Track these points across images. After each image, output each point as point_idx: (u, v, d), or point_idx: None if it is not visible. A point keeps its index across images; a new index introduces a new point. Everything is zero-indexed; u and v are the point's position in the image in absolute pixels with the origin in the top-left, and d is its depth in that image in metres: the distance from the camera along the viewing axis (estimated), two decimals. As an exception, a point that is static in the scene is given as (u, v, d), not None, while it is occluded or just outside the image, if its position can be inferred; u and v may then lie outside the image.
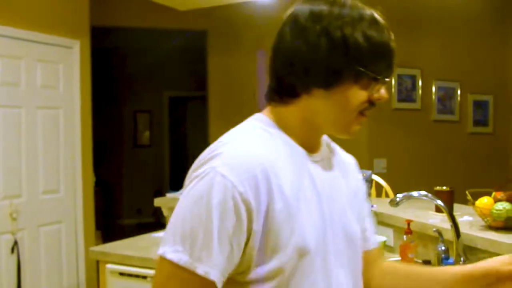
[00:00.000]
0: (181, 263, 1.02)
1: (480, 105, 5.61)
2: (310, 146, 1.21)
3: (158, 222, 7.00)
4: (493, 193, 2.28)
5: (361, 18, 1.12)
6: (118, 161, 8.95)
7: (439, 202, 2.21)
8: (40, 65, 4.24)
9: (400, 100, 5.16)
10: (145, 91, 8.92)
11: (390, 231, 2.73)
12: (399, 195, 2.19)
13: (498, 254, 1.93)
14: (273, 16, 5.95)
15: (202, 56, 6.07)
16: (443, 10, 5.29)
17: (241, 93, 5.67)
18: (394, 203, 2.20)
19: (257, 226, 1.05)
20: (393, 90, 5.10)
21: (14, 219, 3.92)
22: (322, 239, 1.15)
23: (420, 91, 5.28)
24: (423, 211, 2.69)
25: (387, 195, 3.59)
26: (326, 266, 1.15)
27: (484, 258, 2.04)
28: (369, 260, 1.35)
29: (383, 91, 1.16)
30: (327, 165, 1.26)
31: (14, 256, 3.91)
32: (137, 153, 9.17)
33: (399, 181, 3.84)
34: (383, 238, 2.61)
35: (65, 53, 4.46)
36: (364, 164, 4.60)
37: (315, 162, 1.21)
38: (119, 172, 8.93)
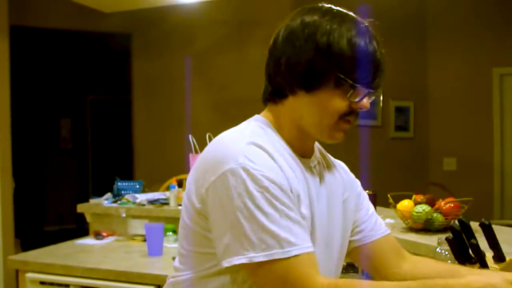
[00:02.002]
0: (276, 257, 1.05)
1: (401, 111, 5.79)
2: (303, 150, 1.26)
3: (81, 228, 6.81)
4: (413, 196, 2.35)
5: (350, 27, 1.17)
6: (40, 166, 8.64)
7: (362, 205, 2.26)
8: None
9: (325, 105, 5.25)
10: (68, 94, 8.67)
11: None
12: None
13: (417, 255, 1.98)
14: (199, 20, 5.96)
15: (126, 59, 5.96)
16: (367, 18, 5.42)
17: (166, 97, 5.61)
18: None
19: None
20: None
21: None
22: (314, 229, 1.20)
23: (344, 97, 5.38)
24: (347, 214, 2.74)
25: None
26: (327, 255, 1.24)
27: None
28: (383, 247, 1.39)
29: (365, 101, 1.19)
30: (320, 171, 1.30)
31: None
32: (60, 158, 8.90)
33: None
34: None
35: (-18, 53, 4.27)
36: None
37: (308, 167, 1.25)
38: (41, 178, 8.63)
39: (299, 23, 1.19)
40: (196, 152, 3.11)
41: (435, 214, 2.20)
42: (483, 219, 1.38)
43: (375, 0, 5.31)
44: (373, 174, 5.24)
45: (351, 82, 1.15)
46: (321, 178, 1.30)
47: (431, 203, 2.27)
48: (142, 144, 5.87)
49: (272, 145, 1.18)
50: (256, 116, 1.28)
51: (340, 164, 1.44)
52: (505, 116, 5.65)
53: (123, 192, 3.34)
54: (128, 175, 5.66)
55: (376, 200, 2.57)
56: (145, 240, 2.76)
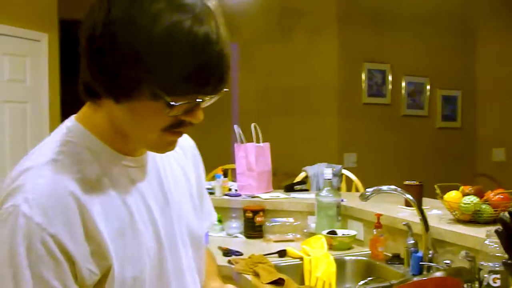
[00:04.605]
0: None
1: (448, 100, 5.69)
2: (133, 150, 1.04)
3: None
4: (461, 187, 2.31)
5: (170, 19, 0.86)
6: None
7: (408, 196, 2.24)
8: (6, 59, 4.16)
9: (370, 95, 5.20)
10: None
11: (360, 225, 2.75)
12: (369, 189, 2.20)
13: (465, 247, 1.96)
14: (243, 8, 5.94)
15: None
16: (414, 6, 5.34)
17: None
18: (364, 197, 2.21)
19: (85, 263, 0.93)
20: (363, 85, 5.14)
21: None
22: (163, 254, 1.06)
23: (390, 86, 5.33)
24: (393, 205, 2.72)
25: (357, 189, 3.61)
26: (178, 272, 1.09)
27: (452, 251, 2.07)
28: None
29: (197, 114, 0.96)
30: (161, 162, 1.12)
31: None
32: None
33: (369, 175, 3.87)
34: (354, 232, 2.63)
35: (33, 46, 4.39)
36: (334, 158, 4.65)
37: (139, 167, 1.06)
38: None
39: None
40: (242, 142, 3.14)
41: (483, 206, 2.16)
42: (534, 211, 1.35)
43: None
44: (419, 164, 5.19)
45: (167, 99, 0.89)
46: (162, 170, 1.12)
47: (479, 194, 2.23)
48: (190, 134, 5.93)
49: (74, 163, 0.96)
50: (70, 118, 1.04)
51: (185, 144, 1.24)
52: (557, 105, 5.49)
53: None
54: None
55: (423, 191, 2.54)
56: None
